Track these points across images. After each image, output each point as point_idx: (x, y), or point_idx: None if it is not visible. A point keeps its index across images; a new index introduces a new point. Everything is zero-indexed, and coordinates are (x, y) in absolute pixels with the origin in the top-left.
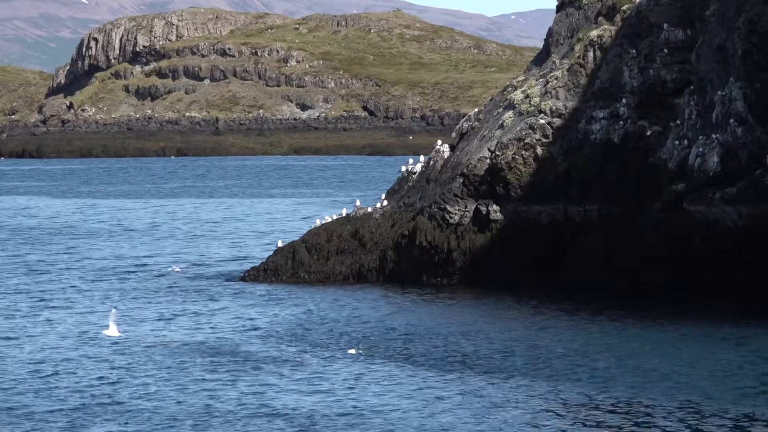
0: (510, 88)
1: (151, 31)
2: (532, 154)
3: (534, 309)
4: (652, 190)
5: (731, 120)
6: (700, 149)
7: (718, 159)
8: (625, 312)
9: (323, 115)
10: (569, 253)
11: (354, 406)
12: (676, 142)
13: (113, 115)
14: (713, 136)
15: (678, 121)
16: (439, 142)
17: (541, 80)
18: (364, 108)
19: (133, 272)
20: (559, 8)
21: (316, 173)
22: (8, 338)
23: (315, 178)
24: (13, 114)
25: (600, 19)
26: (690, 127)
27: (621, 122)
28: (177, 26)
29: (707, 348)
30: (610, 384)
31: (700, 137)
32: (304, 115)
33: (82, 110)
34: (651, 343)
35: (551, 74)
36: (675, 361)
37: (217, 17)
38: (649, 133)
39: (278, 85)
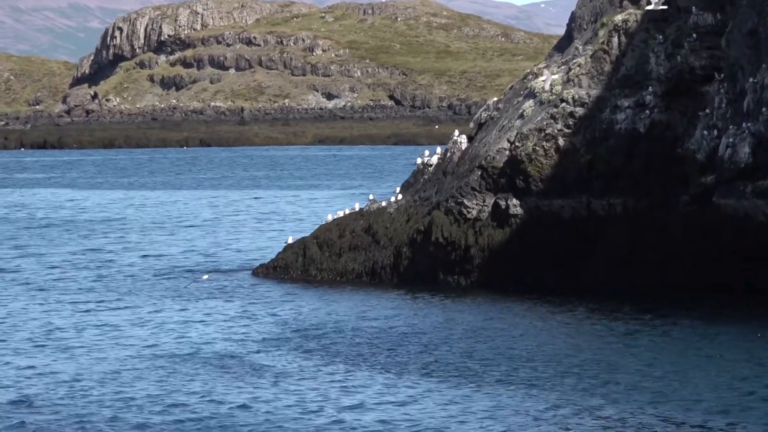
0: (531, 76)
1: (176, 20)
2: (554, 146)
3: (556, 310)
4: (679, 182)
5: (763, 109)
6: (731, 139)
7: (750, 150)
8: (654, 314)
9: (349, 104)
10: (592, 249)
11: (367, 415)
12: (705, 132)
13: (138, 105)
14: (744, 125)
15: (707, 110)
16: (456, 132)
17: (563, 67)
18: (391, 97)
19: (144, 270)
20: None
21: (342, 163)
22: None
23: (348, 169)
24: (38, 104)
25: (625, 2)
26: (720, 117)
27: (647, 111)
28: (202, 15)
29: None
30: (651, 396)
31: (731, 127)
32: (330, 104)
33: (107, 100)
34: (689, 351)
35: (574, 61)
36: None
37: (242, 6)
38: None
39: (304, 75)
